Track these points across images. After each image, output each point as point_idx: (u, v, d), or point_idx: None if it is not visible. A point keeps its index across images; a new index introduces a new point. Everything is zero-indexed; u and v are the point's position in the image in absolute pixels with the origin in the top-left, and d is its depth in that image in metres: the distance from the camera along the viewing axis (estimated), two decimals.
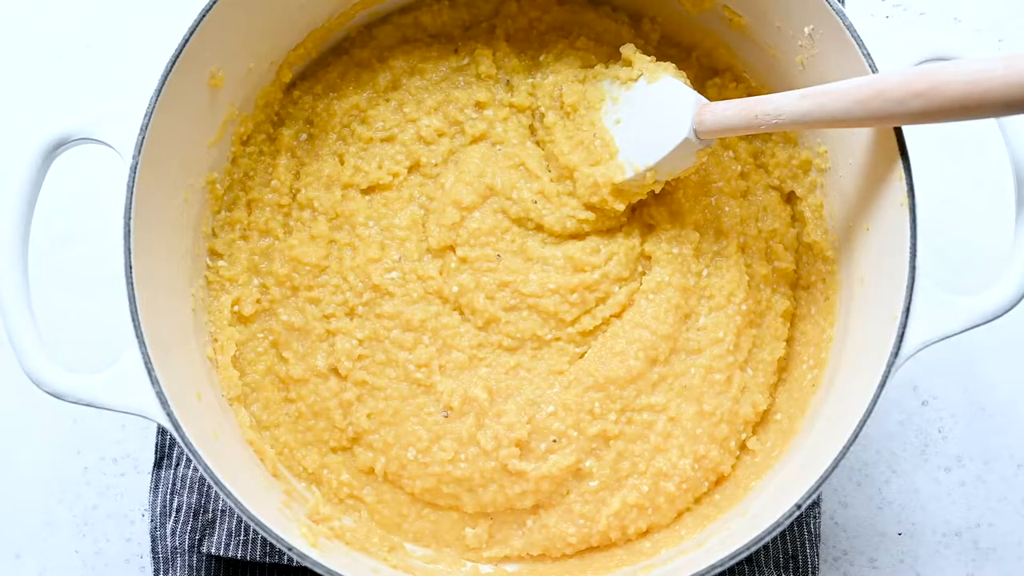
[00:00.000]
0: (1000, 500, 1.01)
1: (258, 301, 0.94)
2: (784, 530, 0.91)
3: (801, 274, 0.96)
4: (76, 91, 1.10)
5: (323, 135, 0.98)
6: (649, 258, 0.95)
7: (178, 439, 0.76)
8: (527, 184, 0.95)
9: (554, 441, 0.90)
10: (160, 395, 0.76)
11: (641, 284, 0.94)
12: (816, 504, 0.95)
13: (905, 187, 0.79)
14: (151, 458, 0.98)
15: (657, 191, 0.92)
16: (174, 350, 0.83)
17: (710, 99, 0.88)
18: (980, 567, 1.00)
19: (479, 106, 0.98)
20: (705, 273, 0.95)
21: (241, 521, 0.93)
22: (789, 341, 0.96)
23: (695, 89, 0.89)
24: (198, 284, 0.92)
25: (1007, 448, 1.02)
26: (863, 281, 0.86)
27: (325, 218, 0.96)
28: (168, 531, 0.94)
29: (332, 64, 0.99)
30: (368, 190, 0.97)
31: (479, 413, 0.90)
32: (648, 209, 0.95)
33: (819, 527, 0.95)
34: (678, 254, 0.94)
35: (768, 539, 0.76)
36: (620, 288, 0.94)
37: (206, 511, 0.94)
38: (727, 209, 0.96)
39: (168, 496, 0.95)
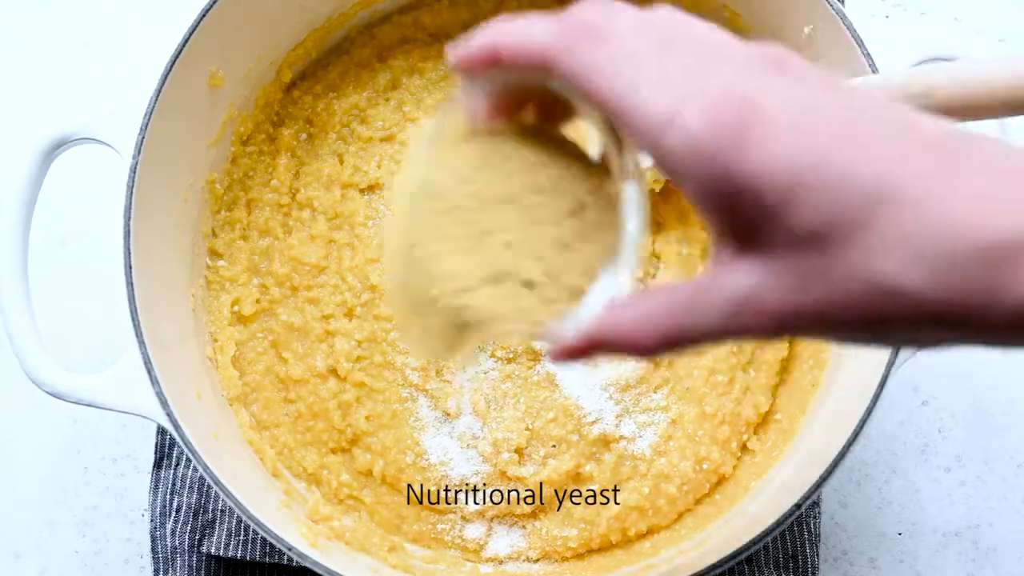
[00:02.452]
0: (1000, 500, 1.01)
1: (258, 301, 0.94)
2: (784, 530, 0.91)
3: None
4: (76, 91, 1.10)
5: (323, 135, 0.98)
6: (659, 258, 0.94)
7: (178, 439, 0.76)
8: None
9: (553, 447, 0.90)
10: (160, 395, 0.76)
11: (648, 287, 0.93)
12: (816, 504, 0.95)
13: None
14: (151, 458, 0.98)
15: (657, 190, 0.92)
16: (174, 350, 0.83)
17: None
18: (980, 567, 1.00)
19: None
20: None
21: (241, 521, 0.93)
22: (790, 342, 0.95)
23: None
24: (198, 284, 0.92)
25: (1007, 448, 1.02)
26: None
27: (325, 218, 0.96)
28: (168, 531, 0.94)
29: (332, 64, 0.99)
30: (367, 189, 0.97)
31: (476, 420, 0.90)
32: (657, 208, 0.95)
33: (819, 527, 0.95)
34: (687, 255, 0.93)
35: (768, 539, 0.76)
36: None
37: (206, 511, 0.94)
38: None
39: (168, 496, 0.95)
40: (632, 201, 0.48)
